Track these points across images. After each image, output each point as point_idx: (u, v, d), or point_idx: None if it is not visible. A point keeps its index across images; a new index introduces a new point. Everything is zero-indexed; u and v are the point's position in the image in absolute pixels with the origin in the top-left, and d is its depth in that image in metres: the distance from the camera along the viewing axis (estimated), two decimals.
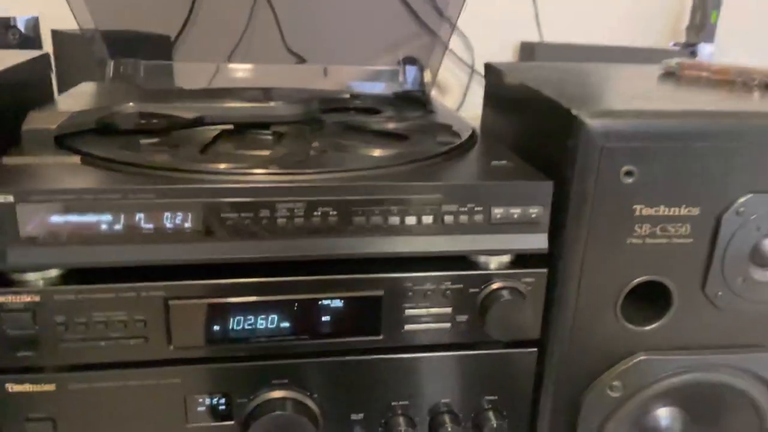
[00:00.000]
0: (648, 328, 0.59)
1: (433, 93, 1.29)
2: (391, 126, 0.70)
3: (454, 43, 1.36)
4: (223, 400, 0.55)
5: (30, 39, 1.19)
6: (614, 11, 1.43)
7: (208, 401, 0.55)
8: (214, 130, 0.65)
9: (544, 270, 0.56)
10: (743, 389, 0.62)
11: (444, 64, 1.32)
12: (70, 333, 0.50)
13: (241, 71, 0.96)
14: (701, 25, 1.40)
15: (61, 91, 0.87)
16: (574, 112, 0.53)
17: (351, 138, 0.66)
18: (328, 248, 0.52)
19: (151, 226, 0.50)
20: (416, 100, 0.86)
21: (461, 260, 0.56)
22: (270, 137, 0.66)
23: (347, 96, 0.88)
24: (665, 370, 0.60)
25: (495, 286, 0.55)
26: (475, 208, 0.53)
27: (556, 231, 0.56)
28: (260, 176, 0.52)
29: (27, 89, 0.67)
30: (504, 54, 1.41)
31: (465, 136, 0.65)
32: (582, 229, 0.55)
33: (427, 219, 0.53)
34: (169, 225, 0.50)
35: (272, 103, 0.67)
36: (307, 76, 0.99)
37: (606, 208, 0.55)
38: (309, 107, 0.69)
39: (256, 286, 0.53)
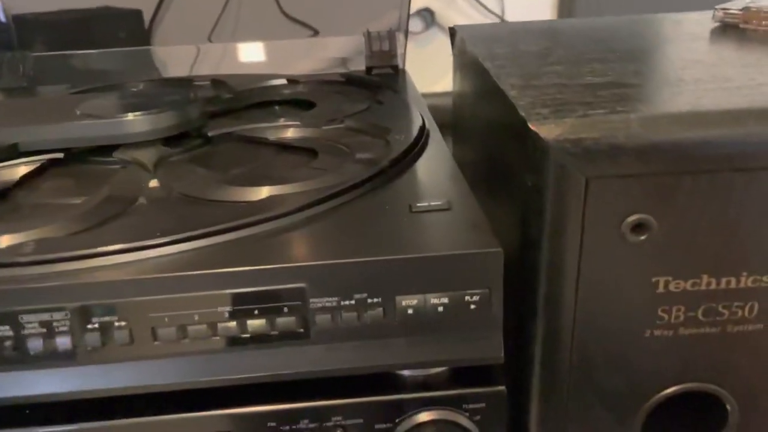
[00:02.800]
0: None
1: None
2: (296, 136, 0.48)
3: None
4: None
5: None
6: None
7: None
8: (33, 162, 0.45)
9: (502, 387, 0.34)
10: None
11: (469, 15, 1.07)
12: None
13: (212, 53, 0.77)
14: None
15: None
16: (532, 125, 0.30)
17: (230, 162, 0.45)
18: (126, 379, 0.31)
19: None
20: (369, 86, 0.63)
21: (362, 379, 0.34)
22: (116, 167, 0.45)
23: (282, 82, 0.66)
24: None
25: (420, 419, 0.33)
26: (369, 300, 0.31)
27: (523, 324, 0.33)
28: (7, 270, 0.31)
29: None
30: (540, 1, 1.14)
31: (396, 150, 0.42)
32: (565, 320, 0.32)
33: (286, 322, 0.31)
34: None
35: (129, 116, 0.46)
36: (285, 53, 0.78)
37: (605, 286, 0.31)
38: (183, 116, 0.47)
39: None
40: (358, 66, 0.74)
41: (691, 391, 0.35)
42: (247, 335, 0.31)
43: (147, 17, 0.77)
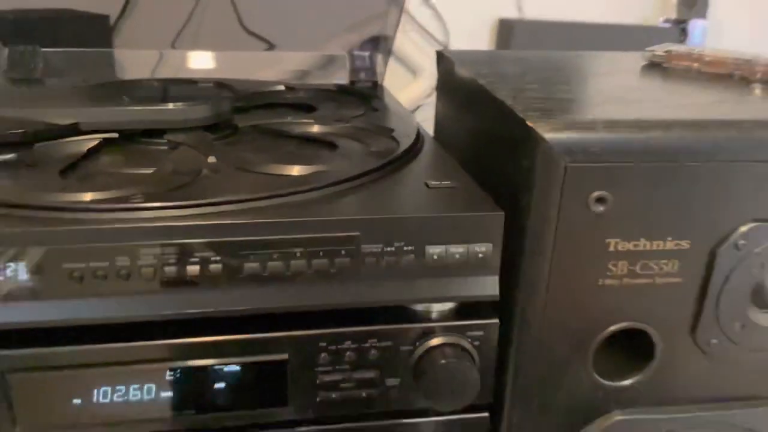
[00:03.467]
0: (626, 382, 0.48)
1: (405, 75, 1.16)
2: (317, 131, 0.58)
3: (427, 19, 1.23)
4: None
5: None
6: None
7: None
8: (92, 140, 0.52)
9: (495, 320, 0.45)
10: None
11: (415, 43, 1.19)
12: None
13: (179, 59, 0.83)
14: (693, 0, 1.28)
15: None
16: (530, 122, 0.41)
17: (263, 149, 0.54)
18: (212, 304, 0.40)
19: None
20: (361, 95, 0.73)
21: (390, 312, 0.44)
22: (165, 147, 0.53)
23: (281, 88, 0.75)
24: (646, 430, 0.49)
25: (433, 342, 0.44)
26: (405, 248, 0.41)
27: (509, 272, 0.44)
28: (121, 213, 0.39)
29: None
30: (481, 32, 1.28)
31: (404, 144, 0.53)
32: (542, 270, 0.44)
33: (343, 262, 0.41)
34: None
35: (171, 105, 0.55)
36: (247, 64, 0.86)
37: (572, 244, 0.43)
38: (217, 108, 0.56)
39: (124, 352, 0.41)
40: (316, 80, 0.83)
41: (629, 329, 0.47)
42: (312, 272, 0.41)
43: (112, 20, 0.81)
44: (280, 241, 0.40)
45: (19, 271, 0.38)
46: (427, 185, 0.46)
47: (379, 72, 0.82)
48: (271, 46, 0.84)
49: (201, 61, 0.85)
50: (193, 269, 0.39)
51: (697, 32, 1.26)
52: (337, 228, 0.40)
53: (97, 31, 0.82)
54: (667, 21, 1.30)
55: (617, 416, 0.49)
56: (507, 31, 1.26)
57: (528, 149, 0.41)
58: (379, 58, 0.83)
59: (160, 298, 0.39)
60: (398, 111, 0.68)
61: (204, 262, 0.39)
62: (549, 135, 0.40)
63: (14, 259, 0.38)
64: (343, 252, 0.41)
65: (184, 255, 0.39)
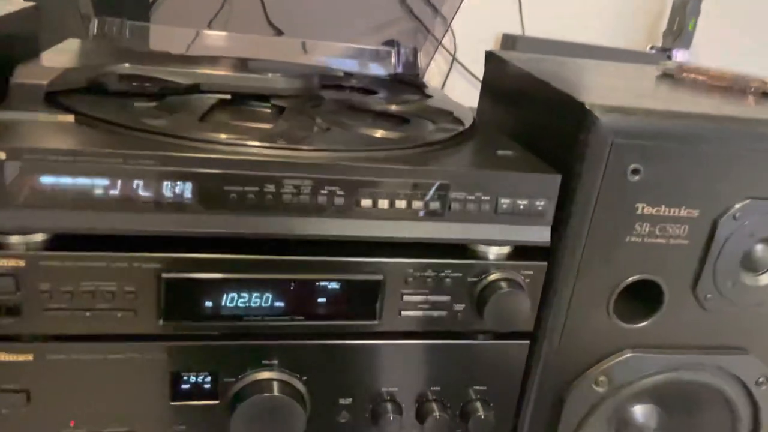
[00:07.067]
0: (638, 326, 0.60)
1: None
2: (392, 108, 0.69)
3: (435, 28, 1.35)
4: (209, 379, 0.53)
5: None
6: (595, 9, 1.44)
7: (194, 379, 0.53)
8: (211, 98, 0.62)
9: (544, 263, 0.56)
10: (721, 389, 0.64)
11: (424, 49, 1.31)
12: (54, 301, 0.48)
13: (221, 40, 0.92)
14: (678, 32, 1.42)
15: (41, 46, 0.82)
16: (587, 105, 0.53)
17: (352, 118, 0.64)
18: (332, 229, 0.51)
19: (148, 194, 0.47)
20: (412, 84, 0.84)
21: (461, 249, 0.55)
22: (269, 110, 0.64)
23: (341, 74, 0.86)
24: (651, 367, 0.61)
25: (494, 276, 0.55)
26: (483, 197, 0.52)
27: (558, 225, 0.56)
28: (266, 150, 0.50)
29: (14, 41, 0.63)
30: (485, 44, 1.41)
31: (467, 123, 0.64)
32: (584, 225, 0.55)
33: (434, 205, 0.52)
34: (167, 194, 0.48)
35: (271, 75, 0.65)
36: (289, 50, 0.96)
37: (610, 205, 0.55)
38: (310, 82, 0.67)
39: (252, 264, 0.51)
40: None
41: (644, 280, 0.58)
42: (411, 210, 0.51)
43: None
44: (387, 183, 0.50)
45: (185, 191, 0.48)
46: (495, 153, 0.57)
47: (421, 67, 0.94)
48: (303, 42, 0.94)
49: (239, 46, 0.94)
50: (323, 199, 0.50)
51: (680, 60, 1.41)
52: (432, 176, 0.51)
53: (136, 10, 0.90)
54: (653, 48, 1.45)
55: (628, 353, 0.61)
56: (510, 45, 1.39)
57: (584, 127, 0.53)
58: (422, 53, 0.94)
59: (294, 220, 0.50)
60: (449, 100, 0.79)
61: (330, 195, 0.50)
62: (602, 116, 0.52)
63: (182, 179, 0.48)
64: (436, 196, 0.51)
65: (316, 187, 0.49)
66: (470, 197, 0.52)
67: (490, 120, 0.76)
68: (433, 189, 0.51)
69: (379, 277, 0.53)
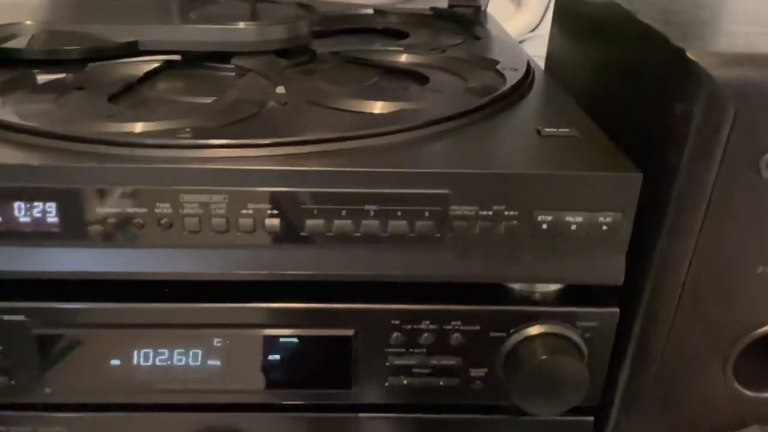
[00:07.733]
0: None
1: (506, 5, 1.01)
2: (405, 60, 0.49)
3: None
4: None
5: None
6: None
7: None
8: (152, 61, 0.46)
9: (615, 309, 0.35)
10: None
11: None
12: None
13: None
14: None
15: None
16: (690, 54, 0.30)
17: (343, 80, 0.45)
18: (267, 265, 0.33)
19: None
20: (462, 21, 0.63)
21: (479, 289, 0.36)
22: (231, 73, 0.46)
23: (370, 12, 0.66)
24: None
25: (533, 331, 0.35)
26: (506, 212, 0.32)
27: (637, 249, 0.35)
28: (168, 150, 0.33)
29: None
30: None
31: (511, 80, 0.43)
32: (685, 249, 0.34)
33: (425, 226, 0.32)
34: (24, 219, 0.32)
35: (241, 25, 0.47)
36: None
37: (729, 218, 0.33)
38: (294, 30, 0.48)
39: (167, 312, 0.35)
40: (410, 4, 0.72)
41: None
42: (386, 235, 0.33)
43: None
44: (349, 195, 0.32)
45: (47, 213, 0.32)
46: (539, 132, 0.36)
47: None
48: None
49: None
50: (246, 223, 0.32)
51: None
52: (421, 183, 0.32)
53: None
54: None
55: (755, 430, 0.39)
56: None
57: (684, 90, 0.31)
58: None
59: (205, 254, 0.33)
60: (505, 40, 0.57)
61: (258, 215, 0.32)
62: (717, 71, 0.30)
63: (44, 198, 0.32)
64: (426, 213, 0.32)
65: (234, 205, 0.32)
66: (484, 213, 0.32)
67: (563, 66, 0.54)
68: (423, 202, 0.32)
69: (349, 331, 0.35)
